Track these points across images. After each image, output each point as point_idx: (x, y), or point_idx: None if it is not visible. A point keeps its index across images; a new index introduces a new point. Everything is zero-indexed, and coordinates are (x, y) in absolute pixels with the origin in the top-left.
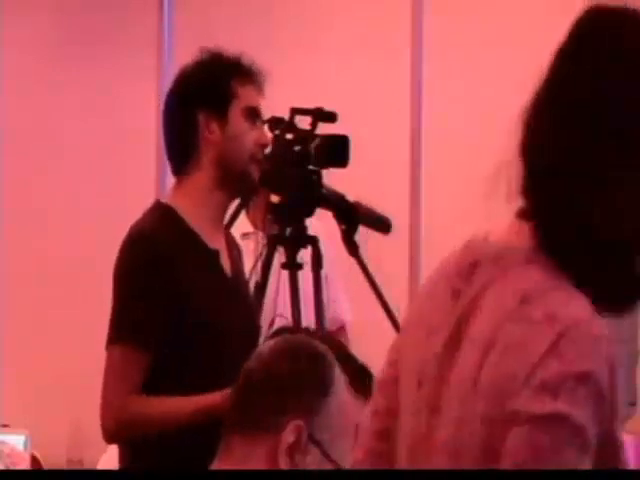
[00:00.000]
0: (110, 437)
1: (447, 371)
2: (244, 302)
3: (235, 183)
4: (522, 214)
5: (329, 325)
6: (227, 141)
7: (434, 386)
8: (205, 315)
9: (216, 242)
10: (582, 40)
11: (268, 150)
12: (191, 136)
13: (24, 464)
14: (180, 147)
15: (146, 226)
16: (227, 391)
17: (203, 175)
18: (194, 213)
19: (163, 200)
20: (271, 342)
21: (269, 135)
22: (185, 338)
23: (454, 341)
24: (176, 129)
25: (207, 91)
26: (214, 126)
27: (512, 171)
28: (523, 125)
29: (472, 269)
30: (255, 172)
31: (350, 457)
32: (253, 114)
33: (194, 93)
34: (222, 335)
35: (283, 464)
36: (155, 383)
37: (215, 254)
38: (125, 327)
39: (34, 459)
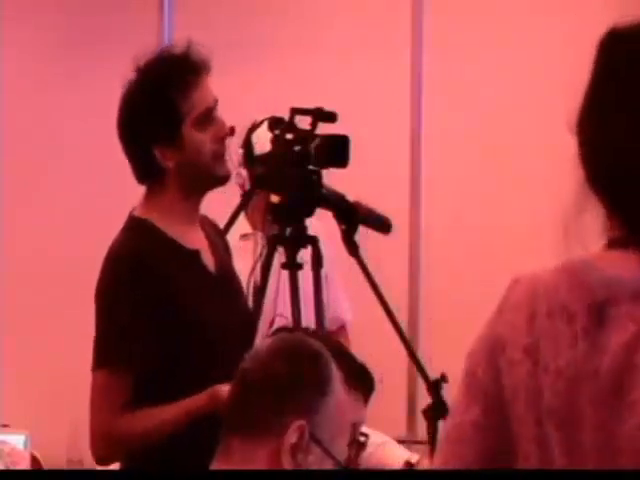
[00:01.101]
0: (100, 461)
1: (618, 413)
2: (234, 296)
3: (203, 186)
4: (618, 243)
5: (329, 325)
6: (186, 159)
7: (602, 427)
8: (192, 315)
9: (195, 242)
10: (607, 67)
11: (268, 150)
12: (150, 167)
13: (24, 464)
14: (142, 175)
15: (124, 245)
16: (212, 389)
17: (171, 190)
18: (168, 221)
19: (136, 213)
20: (267, 342)
21: (226, 125)
22: (175, 341)
23: (618, 385)
24: (134, 162)
25: (157, 129)
26: (170, 154)
27: (584, 214)
28: (585, 165)
29: (601, 310)
30: (221, 165)
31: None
32: (206, 116)
33: (144, 133)
34: (212, 333)
35: (287, 465)
36: (147, 390)
37: (195, 254)
38: (109, 351)
39: (34, 459)
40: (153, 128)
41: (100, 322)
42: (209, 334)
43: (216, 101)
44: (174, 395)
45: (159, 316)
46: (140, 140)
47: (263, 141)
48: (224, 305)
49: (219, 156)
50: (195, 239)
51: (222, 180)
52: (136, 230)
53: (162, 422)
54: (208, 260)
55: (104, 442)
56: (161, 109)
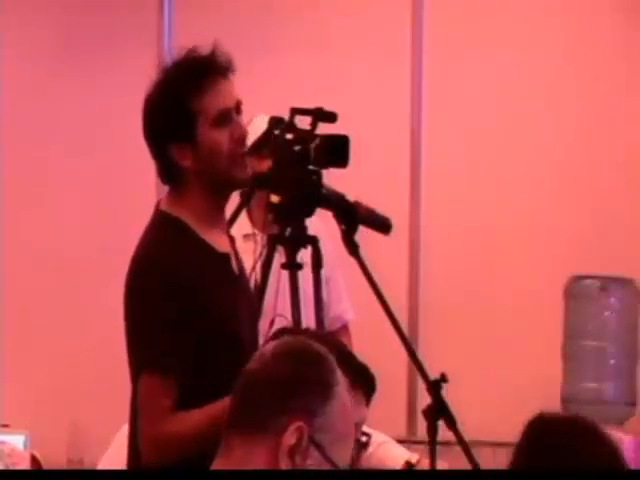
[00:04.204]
0: (156, 462)
1: None
2: (251, 299)
3: (225, 187)
4: None
5: (331, 324)
6: (203, 158)
7: None
8: (227, 319)
9: (223, 245)
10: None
11: (268, 150)
12: (171, 166)
13: (24, 464)
14: (165, 174)
15: (160, 245)
16: None
17: (195, 189)
18: (199, 221)
19: (165, 209)
20: (272, 343)
21: (244, 126)
22: (211, 348)
23: None
24: (156, 161)
25: (173, 128)
26: (187, 153)
27: None
28: None
29: None
30: (240, 168)
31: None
32: (222, 117)
33: (161, 132)
34: (243, 335)
35: (284, 465)
36: (185, 394)
37: (226, 258)
38: (154, 356)
39: (34, 459)
40: (168, 125)
41: (141, 328)
42: (240, 337)
43: (238, 102)
44: (210, 398)
45: (197, 320)
46: (157, 138)
47: (256, 130)
48: (247, 308)
49: (237, 157)
50: (223, 242)
51: (241, 182)
52: (170, 229)
53: (211, 417)
54: (234, 264)
55: (156, 445)
56: (175, 106)
